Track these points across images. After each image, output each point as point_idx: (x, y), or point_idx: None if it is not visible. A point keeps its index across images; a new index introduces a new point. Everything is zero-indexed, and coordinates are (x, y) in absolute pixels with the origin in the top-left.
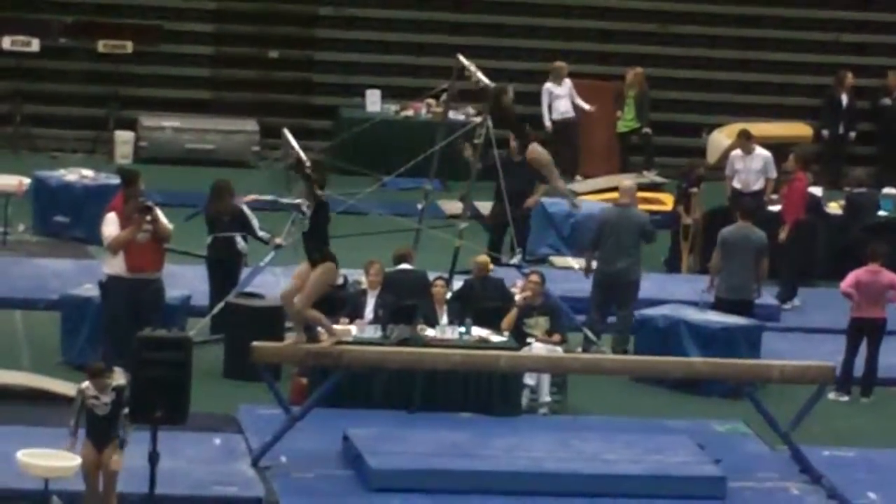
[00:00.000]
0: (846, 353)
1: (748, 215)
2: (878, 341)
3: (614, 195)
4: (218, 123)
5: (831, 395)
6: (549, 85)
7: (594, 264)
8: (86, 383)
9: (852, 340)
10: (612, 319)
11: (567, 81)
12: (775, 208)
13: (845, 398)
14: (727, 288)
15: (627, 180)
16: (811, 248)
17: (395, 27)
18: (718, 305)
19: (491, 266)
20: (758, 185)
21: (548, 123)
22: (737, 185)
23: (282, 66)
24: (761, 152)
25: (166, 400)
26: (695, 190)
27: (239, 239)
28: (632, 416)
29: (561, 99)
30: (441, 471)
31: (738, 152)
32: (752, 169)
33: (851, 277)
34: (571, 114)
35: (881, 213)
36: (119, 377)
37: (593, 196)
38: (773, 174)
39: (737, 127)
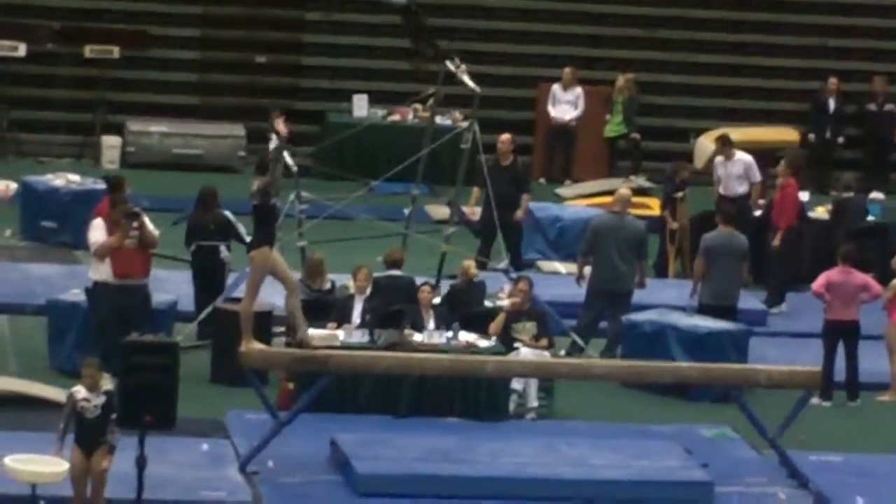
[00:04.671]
0: (824, 358)
1: (730, 221)
2: (854, 344)
3: (601, 200)
4: (205, 128)
5: (814, 401)
6: (555, 87)
7: (586, 271)
8: (77, 387)
9: (828, 344)
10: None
11: (577, 89)
12: (759, 213)
13: (828, 404)
14: (711, 294)
15: (624, 189)
16: (799, 253)
17: (382, 32)
18: (702, 311)
19: (474, 271)
20: (741, 190)
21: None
22: (721, 190)
23: (269, 71)
24: (742, 157)
25: (154, 405)
26: (680, 194)
27: (223, 248)
28: (619, 421)
29: (562, 104)
30: (428, 476)
31: (719, 158)
32: (732, 174)
33: (823, 278)
34: (570, 120)
35: (870, 217)
36: (107, 383)
37: (581, 201)
38: (757, 178)
39: (724, 131)
